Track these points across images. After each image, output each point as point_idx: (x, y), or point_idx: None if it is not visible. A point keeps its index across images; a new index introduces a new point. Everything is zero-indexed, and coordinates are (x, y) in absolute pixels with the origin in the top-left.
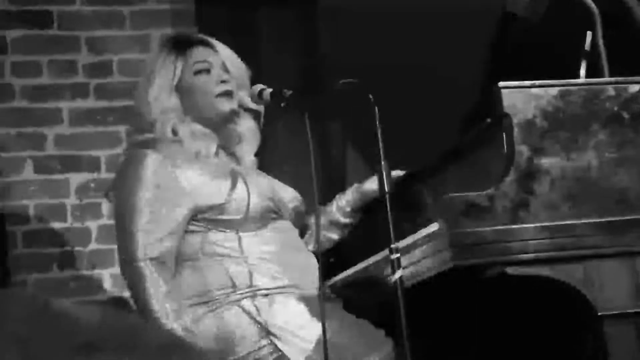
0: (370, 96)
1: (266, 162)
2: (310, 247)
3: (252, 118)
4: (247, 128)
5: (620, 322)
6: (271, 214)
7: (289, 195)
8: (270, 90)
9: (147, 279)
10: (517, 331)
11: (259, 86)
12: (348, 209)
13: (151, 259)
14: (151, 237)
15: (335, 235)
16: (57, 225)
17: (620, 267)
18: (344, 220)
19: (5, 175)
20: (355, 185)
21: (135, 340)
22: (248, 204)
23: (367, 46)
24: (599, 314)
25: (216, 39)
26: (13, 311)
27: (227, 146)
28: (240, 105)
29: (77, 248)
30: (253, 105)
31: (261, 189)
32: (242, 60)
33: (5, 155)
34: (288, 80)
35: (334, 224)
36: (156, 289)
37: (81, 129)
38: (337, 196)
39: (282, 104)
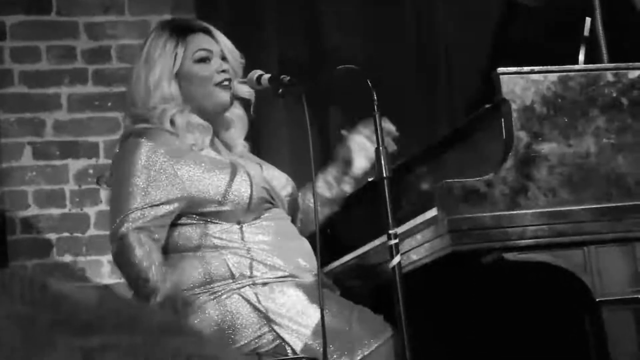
0: (369, 81)
1: (264, 148)
2: (300, 225)
3: (241, 105)
4: (236, 115)
5: (618, 308)
6: (266, 203)
7: (281, 182)
8: (269, 75)
9: (135, 247)
10: (515, 316)
11: (257, 72)
12: (334, 183)
13: (138, 228)
14: (141, 213)
15: (325, 210)
16: (55, 211)
17: (619, 253)
18: (331, 195)
19: (4, 161)
20: (337, 161)
21: (134, 321)
22: (251, 195)
23: (368, 32)
24: (597, 299)
25: (215, 25)
26: (12, 290)
27: (217, 132)
28: (233, 94)
29: (75, 234)
30: (246, 95)
31: (256, 179)
32: (241, 47)
33: (4, 141)
34: (288, 67)
35: (322, 200)
36: (146, 254)
37: (80, 114)
38: (321, 172)
39: (280, 90)
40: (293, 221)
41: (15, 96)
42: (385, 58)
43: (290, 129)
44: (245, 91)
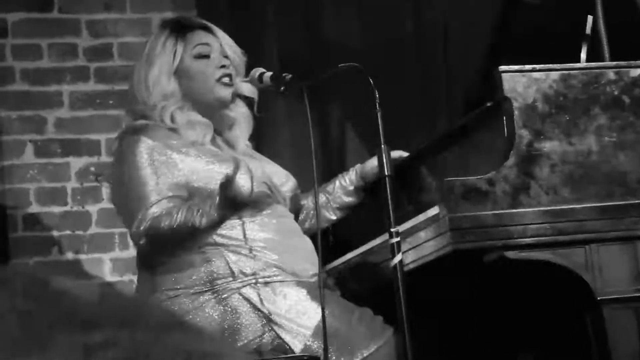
0: (370, 79)
1: (266, 146)
2: (306, 225)
3: (246, 104)
4: (241, 114)
5: (619, 307)
6: (267, 198)
7: (282, 179)
8: (270, 73)
9: (160, 220)
10: (516, 315)
11: (259, 70)
12: (350, 188)
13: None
14: (157, 207)
15: (333, 216)
16: (57, 208)
17: (620, 252)
18: (347, 199)
19: (6, 159)
20: (358, 165)
21: (134, 317)
22: (251, 190)
23: (368, 28)
24: (599, 298)
25: (215, 22)
26: (13, 285)
27: (220, 131)
28: (235, 92)
29: (77, 232)
30: (248, 93)
31: (256, 173)
32: (241, 44)
33: (6, 139)
34: (289, 63)
35: (336, 203)
36: (168, 213)
37: (81, 112)
38: (340, 175)
39: (282, 88)
40: (295, 219)
41: (16, 94)
42: (383, 49)
43: (292, 125)
44: (249, 89)
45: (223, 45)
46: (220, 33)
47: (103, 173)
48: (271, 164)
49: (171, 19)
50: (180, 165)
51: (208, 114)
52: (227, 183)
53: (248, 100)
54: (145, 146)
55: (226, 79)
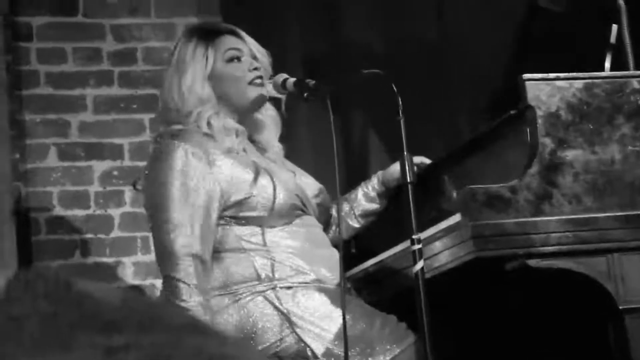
0: (394, 86)
1: (288, 151)
2: (330, 233)
3: (274, 106)
4: (269, 116)
5: None
6: (297, 210)
7: (313, 190)
8: (294, 79)
9: (181, 274)
10: (538, 323)
11: (282, 75)
12: (373, 194)
13: (191, 255)
14: (188, 231)
15: (356, 223)
16: (80, 212)
17: None
18: (369, 206)
19: (30, 162)
20: (380, 171)
21: (155, 320)
22: (274, 201)
23: (388, 33)
24: (620, 307)
25: (240, 28)
26: (36, 287)
27: (251, 135)
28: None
29: (99, 235)
30: (274, 93)
31: (288, 185)
32: (265, 49)
33: (30, 142)
34: (312, 67)
35: (359, 211)
36: (188, 280)
37: (105, 116)
38: (362, 183)
39: (305, 94)
40: (325, 230)
41: (41, 97)
42: (407, 54)
43: (314, 131)
44: (276, 91)
45: (251, 48)
46: (246, 37)
47: (139, 177)
48: (305, 176)
49: (197, 26)
50: (216, 175)
51: (242, 118)
52: None
53: (276, 101)
54: (181, 151)
55: (258, 80)
